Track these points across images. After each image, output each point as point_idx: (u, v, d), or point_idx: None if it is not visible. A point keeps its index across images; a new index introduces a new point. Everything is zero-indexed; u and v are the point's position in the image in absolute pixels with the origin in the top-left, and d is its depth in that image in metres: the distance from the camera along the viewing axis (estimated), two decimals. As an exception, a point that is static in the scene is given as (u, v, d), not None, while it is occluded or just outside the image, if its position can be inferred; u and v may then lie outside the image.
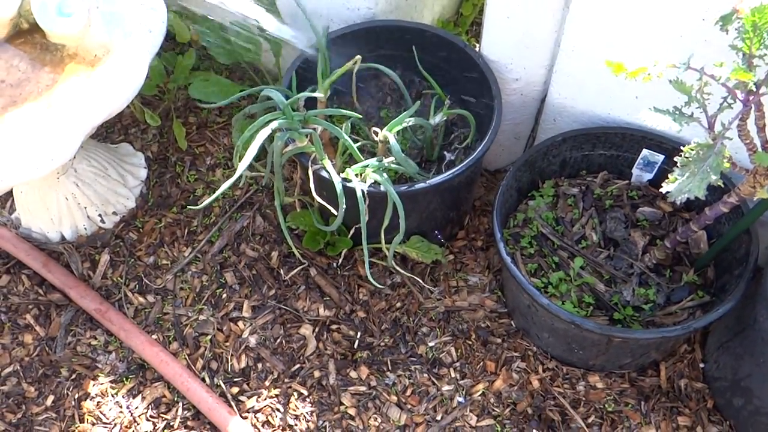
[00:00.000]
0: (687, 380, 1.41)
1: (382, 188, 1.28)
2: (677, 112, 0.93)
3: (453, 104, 1.50)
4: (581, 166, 1.49)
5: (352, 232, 1.49)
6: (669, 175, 0.90)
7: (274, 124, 1.23)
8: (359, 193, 1.26)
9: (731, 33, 0.86)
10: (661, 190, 0.92)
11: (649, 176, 1.44)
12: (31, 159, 1.17)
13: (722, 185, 0.88)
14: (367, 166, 1.31)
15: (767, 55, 0.81)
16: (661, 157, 1.39)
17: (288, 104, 1.24)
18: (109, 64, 1.29)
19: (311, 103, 1.43)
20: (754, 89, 0.84)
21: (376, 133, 1.34)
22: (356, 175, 1.30)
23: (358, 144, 1.43)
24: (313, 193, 1.33)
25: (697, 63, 0.89)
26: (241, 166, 1.20)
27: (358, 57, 1.37)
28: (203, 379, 1.45)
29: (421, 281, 1.54)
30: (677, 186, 0.88)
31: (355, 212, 1.33)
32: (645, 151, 1.40)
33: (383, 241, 1.37)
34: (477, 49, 1.47)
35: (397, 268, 1.45)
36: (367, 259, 1.31)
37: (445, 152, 1.51)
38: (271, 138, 1.26)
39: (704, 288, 1.33)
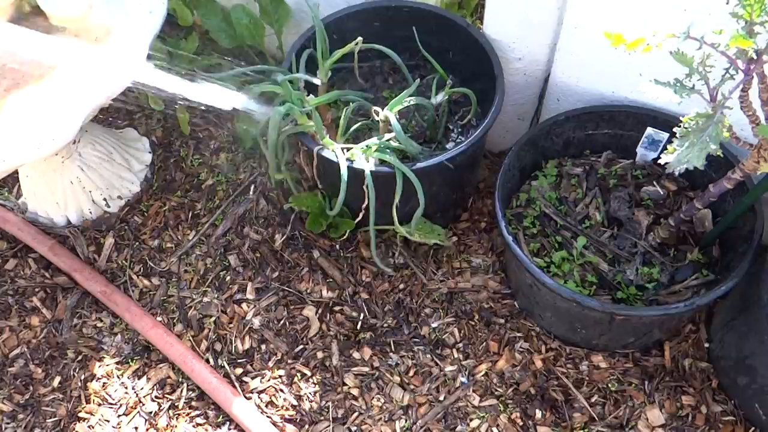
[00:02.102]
0: (691, 360, 1.40)
1: (385, 169, 1.27)
2: (678, 84, 0.92)
3: (456, 84, 1.50)
4: (585, 145, 1.48)
5: (360, 216, 1.46)
6: (668, 146, 0.89)
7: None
8: (367, 172, 1.26)
9: (732, 1, 0.85)
10: (659, 161, 0.91)
11: (653, 155, 1.42)
12: (32, 139, 1.18)
13: (721, 155, 0.87)
14: (369, 146, 1.31)
15: (768, 23, 0.80)
16: (665, 136, 1.37)
17: (286, 80, 1.24)
18: (110, 45, 1.29)
19: (314, 84, 1.43)
20: (755, 57, 0.82)
21: (377, 113, 1.33)
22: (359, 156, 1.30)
23: (360, 124, 1.43)
24: (314, 173, 1.33)
25: (700, 34, 0.88)
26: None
27: (359, 38, 1.36)
28: (207, 361, 1.46)
29: (430, 261, 1.54)
30: (676, 156, 0.87)
31: (358, 194, 1.33)
32: (649, 130, 1.38)
33: (395, 220, 1.35)
34: (480, 29, 1.46)
35: (410, 242, 1.45)
36: (373, 241, 1.31)
37: (450, 133, 1.50)
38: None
39: (709, 267, 1.32)
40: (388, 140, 1.31)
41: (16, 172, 1.69)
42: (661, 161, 0.90)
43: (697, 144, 0.84)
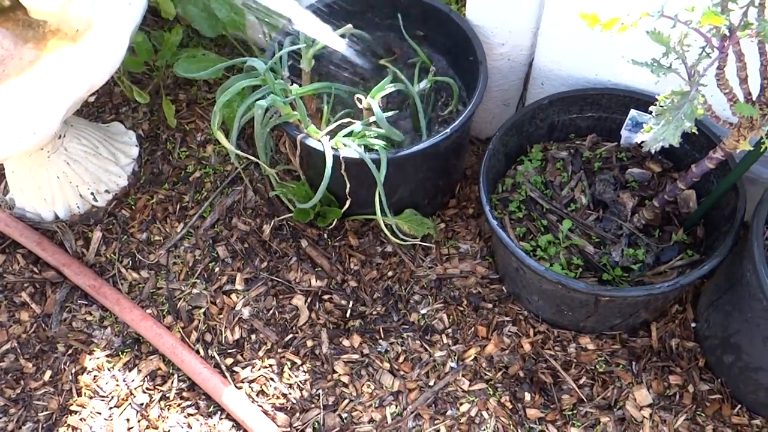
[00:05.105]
0: (678, 340, 1.41)
1: (369, 155, 1.28)
2: (655, 64, 0.92)
3: (440, 71, 1.50)
4: (570, 129, 1.48)
5: (347, 205, 1.45)
6: (644, 125, 0.89)
7: (249, 85, 1.22)
8: (368, 161, 1.26)
9: (706, -22, 0.85)
10: (635, 140, 0.91)
11: (638, 137, 1.43)
12: (13, 133, 1.18)
13: (696, 132, 0.87)
14: (351, 132, 1.31)
15: (740, -1, 0.80)
16: (649, 118, 1.37)
17: (267, 68, 1.24)
18: (90, 38, 1.28)
19: (298, 74, 1.43)
20: (728, 34, 0.83)
21: (360, 101, 1.33)
22: (344, 144, 1.30)
23: (345, 111, 1.43)
24: (297, 162, 1.33)
25: (675, 13, 0.88)
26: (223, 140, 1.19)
27: (349, 26, 1.36)
28: (198, 351, 1.47)
29: (422, 244, 1.54)
30: (652, 135, 0.87)
31: (343, 182, 1.34)
32: (633, 112, 1.38)
33: (378, 212, 1.36)
34: (464, 15, 1.46)
35: (395, 238, 1.44)
36: (382, 223, 1.31)
37: (437, 120, 1.50)
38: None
39: (694, 247, 1.32)
40: (370, 127, 1.31)
41: (2, 168, 1.69)
42: (637, 140, 0.90)
43: (673, 122, 0.84)
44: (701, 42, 0.91)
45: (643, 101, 1.36)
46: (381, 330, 1.47)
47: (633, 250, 1.32)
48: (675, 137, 0.83)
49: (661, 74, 0.92)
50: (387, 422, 1.37)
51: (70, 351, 1.49)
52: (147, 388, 1.44)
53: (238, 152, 1.37)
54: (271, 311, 1.51)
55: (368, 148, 1.31)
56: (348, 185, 1.33)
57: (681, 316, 1.44)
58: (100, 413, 1.42)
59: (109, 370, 1.47)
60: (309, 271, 1.55)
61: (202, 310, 1.52)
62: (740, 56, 0.94)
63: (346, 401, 1.40)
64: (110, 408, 1.43)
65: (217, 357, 1.46)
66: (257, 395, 1.42)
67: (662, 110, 0.87)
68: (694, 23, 0.81)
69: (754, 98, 0.98)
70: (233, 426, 1.38)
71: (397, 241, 1.42)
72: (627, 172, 1.41)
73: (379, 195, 1.30)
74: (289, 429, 1.37)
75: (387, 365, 1.43)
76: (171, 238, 1.62)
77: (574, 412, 1.35)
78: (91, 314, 1.54)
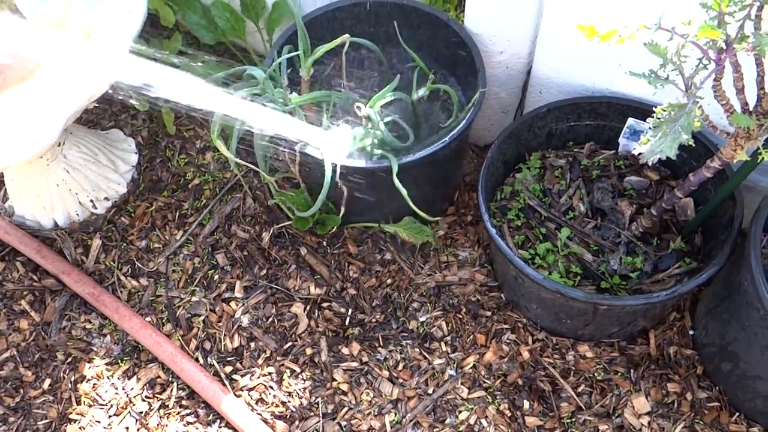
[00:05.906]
0: (676, 347, 1.41)
1: (366, 164, 1.28)
2: (653, 75, 0.93)
3: (438, 79, 1.50)
4: (568, 137, 1.48)
5: (342, 211, 1.46)
6: (641, 137, 0.90)
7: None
8: (355, 165, 1.26)
9: (703, -8, 0.86)
10: (633, 149, 0.92)
11: (635, 145, 1.43)
12: (13, 143, 1.18)
13: (693, 144, 0.88)
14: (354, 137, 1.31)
15: (737, 12, 0.81)
16: (646, 126, 1.38)
17: (266, 77, 1.24)
18: (90, 47, 1.29)
19: (297, 82, 1.43)
20: (725, 47, 0.83)
21: (359, 109, 1.34)
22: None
23: (344, 120, 1.43)
24: (296, 170, 1.33)
25: (673, 25, 0.89)
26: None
27: (346, 36, 1.36)
28: (197, 359, 1.47)
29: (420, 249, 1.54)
30: (650, 147, 0.87)
31: (342, 190, 1.34)
32: (630, 120, 1.39)
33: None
34: (462, 23, 1.46)
35: (397, 237, 1.45)
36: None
37: (437, 129, 1.51)
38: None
39: (692, 255, 1.33)
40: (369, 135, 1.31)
41: (2, 175, 1.69)
42: (635, 151, 0.90)
43: (670, 134, 0.85)
44: (698, 53, 0.92)
45: (641, 109, 1.36)
46: (380, 338, 1.48)
47: (631, 258, 1.32)
48: (672, 150, 0.84)
49: (659, 85, 0.92)
50: (386, 430, 1.37)
51: (69, 359, 1.49)
52: (146, 397, 1.44)
53: (238, 160, 1.38)
54: (270, 319, 1.51)
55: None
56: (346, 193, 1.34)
57: (679, 323, 1.44)
58: (99, 422, 1.42)
59: (108, 378, 1.47)
60: (308, 279, 1.55)
61: (202, 317, 1.52)
62: (737, 67, 0.94)
63: (345, 409, 1.40)
64: (109, 416, 1.43)
65: (216, 365, 1.46)
66: (256, 403, 1.42)
67: (659, 123, 0.87)
68: (691, 36, 0.81)
69: (750, 108, 0.99)
70: (232, 434, 1.39)
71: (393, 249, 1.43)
72: (625, 180, 1.42)
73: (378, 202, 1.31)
74: (288, 437, 1.38)
75: (386, 373, 1.44)
76: (170, 245, 1.63)
77: (573, 419, 1.36)
78: (90, 322, 1.54)
